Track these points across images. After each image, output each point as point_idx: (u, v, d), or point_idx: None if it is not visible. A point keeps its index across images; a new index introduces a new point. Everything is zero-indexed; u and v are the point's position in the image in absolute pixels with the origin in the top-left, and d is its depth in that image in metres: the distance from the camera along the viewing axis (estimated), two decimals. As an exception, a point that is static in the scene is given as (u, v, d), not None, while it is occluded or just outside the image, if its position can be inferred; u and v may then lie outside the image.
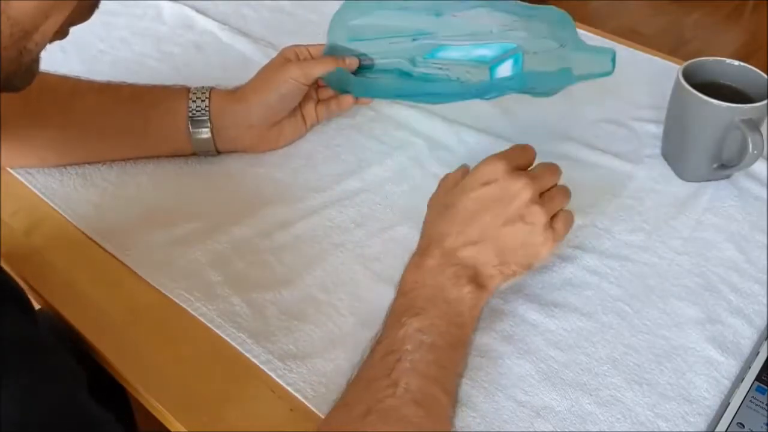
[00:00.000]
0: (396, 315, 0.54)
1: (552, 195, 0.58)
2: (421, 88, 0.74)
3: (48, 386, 0.39)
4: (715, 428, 0.53)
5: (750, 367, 0.56)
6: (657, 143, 0.78)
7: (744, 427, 0.52)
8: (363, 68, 0.74)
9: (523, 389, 0.55)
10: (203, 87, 0.73)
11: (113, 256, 0.65)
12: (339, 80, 0.75)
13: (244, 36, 0.94)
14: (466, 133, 0.79)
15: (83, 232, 0.68)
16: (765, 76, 0.70)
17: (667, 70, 0.88)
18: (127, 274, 0.64)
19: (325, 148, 0.77)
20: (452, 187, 0.60)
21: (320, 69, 0.72)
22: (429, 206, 0.62)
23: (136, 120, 0.72)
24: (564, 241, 0.63)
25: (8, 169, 0.73)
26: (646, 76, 0.88)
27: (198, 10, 0.98)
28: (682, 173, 0.74)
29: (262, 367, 0.57)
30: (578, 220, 0.69)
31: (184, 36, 0.95)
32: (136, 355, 0.58)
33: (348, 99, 0.77)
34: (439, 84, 0.73)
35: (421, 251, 0.57)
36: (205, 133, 0.72)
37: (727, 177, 0.74)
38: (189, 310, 0.61)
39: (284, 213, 0.69)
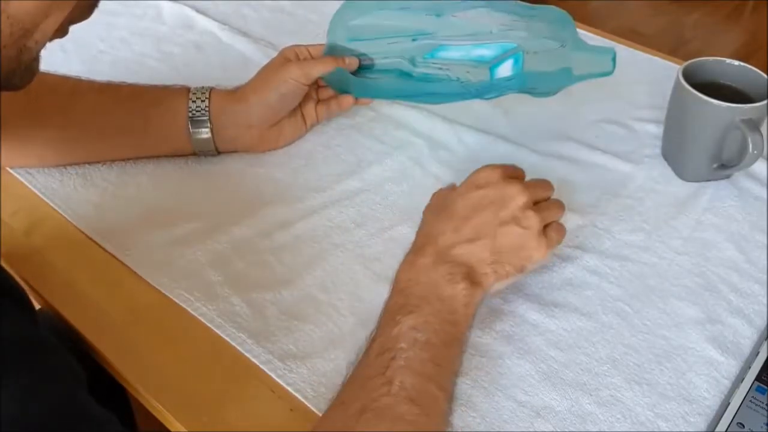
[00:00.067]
0: (390, 313, 0.54)
1: (547, 205, 0.60)
2: (421, 88, 0.74)
3: (48, 386, 0.39)
4: (715, 428, 0.53)
5: (750, 367, 0.56)
6: (657, 143, 0.78)
7: (744, 427, 0.52)
8: (363, 68, 0.74)
9: (523, 389, 0.55)
10: (203, 87, 0.73)
11: (113, 256, 0.65)
12: (339, 80, 0.75)
13: (244, 36, 0.94)
14: (466, 133, 0.79)
15: (83, 232, 0.68)
16: (765, 76, 0.70)
17: (667, 70, 0.88)
18: (127, 274, 0.64)
19: (325, 148, 0.77)
20: (446, 196, 0.61)
21: (320, 69, 0.72)
22: (423, 215, 0.62)
23: (136, 120, 0.72)
24: (564, 241, 0.63)
25: (8, 169, 0.73)
26: (646, 76, 0.88)
27: (198, 10, 0.98)
28: (682, 173, 0.74)
29: (262, 367, 0.57)
30: (578, 220, 0.69)
31: (184, 36, 0.95)
32: (136, 355, 0.58)
33: (348, 99, 0.77)
34: (439, 84, 0.73)
35: (415, 250, 0.58)
36: (205, 133, 0.72)
37: (727, 177, 0.74)
38: (189, 310, 0.61)
39: (284, 213, 0.69)
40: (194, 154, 0.74)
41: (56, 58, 0.87)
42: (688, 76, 0.71)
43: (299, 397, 0.55)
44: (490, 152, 0.77)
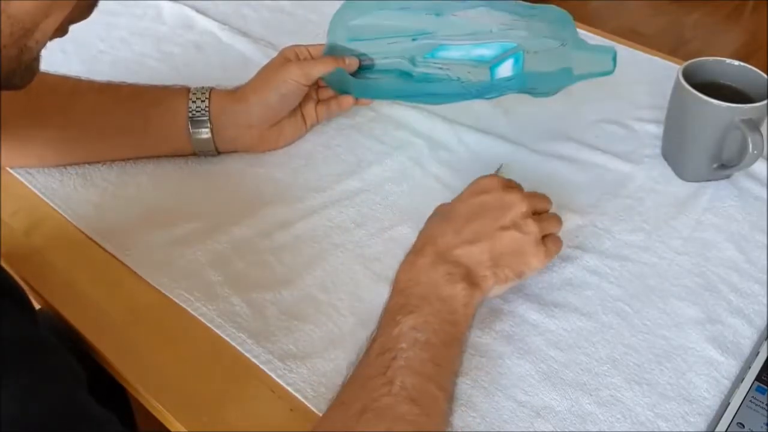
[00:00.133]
0: (390, 313, 0.54)
1: (545, 217, 0.61)
2: (421, 88, 0.74)
3: (48, 386, 0.39)
4: (715, 428, 0.53)
5: (750, 367, 0.56)
6: (657, 143, 0.78)
7: (744, 427, 0.52)
8: (363, 68, 0.74)
9: (523, 389, 0.55)
10: (203, 87, 0.73)
11: (113, 256, 0.65)
12: (339, 81, 0.75)
13: (244, 36, 0.94)
14: (466, 133, 0.79)
15: (83, 232, 0.68)
16: (765, 76, 0.70)
17: (667, 70, 0.88)
18: (127, 274, 0.64)
19: (325, 148, 0.77)
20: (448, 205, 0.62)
21: (320, 69, 0.72)
22: (425, 222, 0.62)
23: (136, 120, 0.72)
24: (564, 241, 0.64)
25: (8, 169, 0.73)
26: (646, 76, 0.88)
27: (198, 10, 0.98)
28: (682, 173, 0.74)
29: (262, 367, 0.57)
30: (578, 220, 0.69)
31: (184, 36, 0.95)
32: (136, 355, 0.58)
33: (348, 99, 0.77)
34: (440, 84, 0.73)
35: (416, 250, 0.58)
36: (205, 133, 0.72)
37: (727, 177, 0.74)
38: (189, 310, 0.61)
39: (284, 213, 0.69)
40: (194, 154, 0.74)
41: (56, 58, 0.87)
42: (688, 76, 0.71)
43: (299, 397, 0.55)
44: (490, 152, 0.77)
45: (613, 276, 0.64)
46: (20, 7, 0.40)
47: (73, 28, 0.46)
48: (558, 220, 0.62)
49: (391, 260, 0.63)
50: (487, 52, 0.71)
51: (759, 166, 0.73)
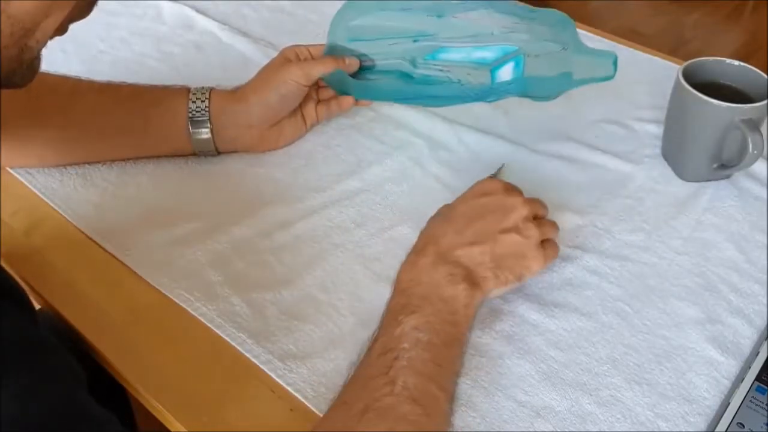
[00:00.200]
0: (392, 313, 0.54)
1: (544, 222, 0.61)
2: (420, 91, 0.74)
3: (48, 386, 0.39)
4: (715, 428, 0.53)
5: (750, 367, 0.56)
6: (657, 143, 0.78)
7: (744, 427, 0.52)
8: (363, 69, 0.74)
9: (523, 389, 0.55)
10: (203, 87, 0.73)
11: (113, 256, 0.65)
12: (339, 81, 0.75)
13: (244, 36, 0.94)
14: (466, 133, 0.79)
15: (83, 232, 0.68)
16: (765, 76, 0.70)
17: (667, 70, 0.88)
18: (127, 274, 0.64)
19: (325, 148, 0.77)
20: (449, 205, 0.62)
21: (320, 70, 0.72)
22: (427, 223, 0.62)
23: (136, 120, 0.72)
24: (564, 241, 0.64)
25: (8, 169, 0.73)
26: (646, 76, 0.88)
27: (198, 10, 0.98)
28: (682, 173, 0.74)
29: (262, 367, 0.57)
30: (578, 220, 0.69)
31: (184, 36, 0.95)
32: (136, 355, 0.58)
33: (348, 100, 0.77)
34: (440, 87, 0.73)
35: (417, 250, 0.58)
36: (205, 133, 0.72)
37: (727, 177, 0.74)
38: (189, 310, 0.61)
39: (284, 213, 0.69)
40: (194, 154, 0.74)
41: (56, 58, 0.87)
42: (688, 76, 0.71)
43: (299, 397, 0.55)
44: (490, 152, 0.77)
45: (613, 276, 0.64)
46: (20, 7, 0.40)
47: (73, 28, 0.46)
48: (555, 226, 0.62)
49: (391, 260, 0.63)
50: (487, 54, 0.71)
51: (759, 166, 0.73)
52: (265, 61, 0.75)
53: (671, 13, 2.76)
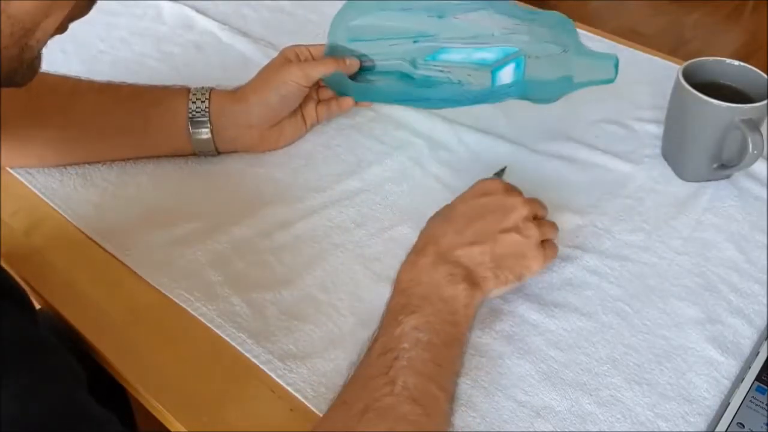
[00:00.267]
0: (393, 313, 0.54)
1: (543, 222, 0.61)
2: (420, 93, 0.74)
3: (48, 386, 0.39)
4: (715, 428, 0.53)
5: (750, 367, 0.56)
6: (657, 143, 0.78)
7: (744, 427, 0.52)
8: (364, 70, 0.74)
9: (523, 389, 0.55)
10: (203, 88, 0.73)
11: (113, 256, 0.65)
12: (338, 83, 0.75)
13: (244, 36, 0.94)
14: (466, 133, 0.79)
15: (83, 232, 0.68)
16: (765, 76, 0.70)
17: (667, 70, 0.88)
18: (127, 274, 0.64)
19: (325, 148, 0.77)
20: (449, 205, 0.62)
21: (321, 70, 0.72)
22: (427, 222, 0.62)
23: (136, 120, 0.72)
24: (564, 241, 0.64)
25: (8, 169, 0.73)
26: (646, 76, 0.88)
27: (198, 10, 0.98)
28: (682, 173, 0.74)
29: (262, 367, 0.57)
30: (578, 220, 0.69)
31: (184, 36, 0.95)
32: (136, 355, 0.58)
33: (348, 100, 0.77)
34: (439, 88, 0.73)
35: (417, 250, 0.58)
36: (205, 133, 0.72)
37: (727, 177, 0.74)
38: (189, 310, 0.61)
39: (284, 213, 0.69)
40: (194, 154, 0.74)
41: (56, 58, 0.87)
42: (688, 76, 0.71)
43: (299, 397, 0.55)
44: (490, 152, 0.77)
45: (613, 276, 0.64)
46: (20, 7, 0.40)
47: (73, 28, 0.46)
48: (555, 226, 0.62)
49: (391, 260, 0.63)
50: (488, 55, 0.71)
51: (759, 166, 0.73)
52: (265, 61, 0.75)
53: (671, 13, 2.76)
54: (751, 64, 0.72)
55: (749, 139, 0.66)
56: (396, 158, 0.76)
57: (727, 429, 0.52)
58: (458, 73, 0.72)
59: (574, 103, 0.76)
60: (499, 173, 0.71)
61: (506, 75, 0.71)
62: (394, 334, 0.52)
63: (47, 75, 0.67)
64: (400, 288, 0.56)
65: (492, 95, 0.72)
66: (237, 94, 0.73)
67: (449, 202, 0.62)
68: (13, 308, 0.40)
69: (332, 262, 0.65)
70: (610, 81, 0.72)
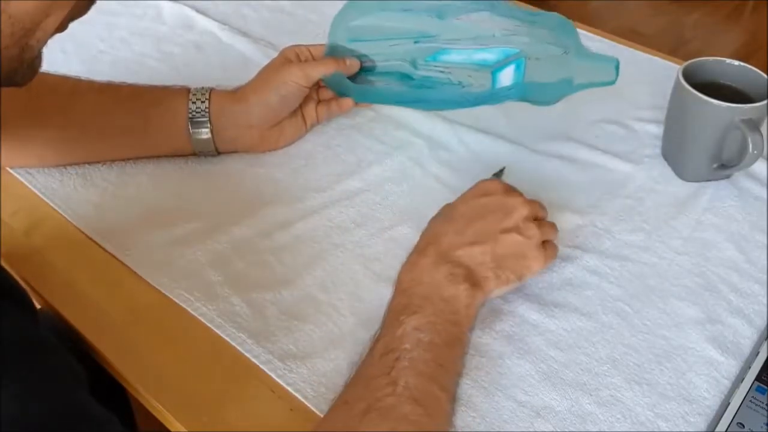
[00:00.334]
0: (394, 313, 0.54)
1: (543, 223, 0.61)
2: (420, 95, 0.74)
3: (48, 386, 0.39)
4: (715, 428, 0.53)
5: (750, 367, 0.56)
6: (657, 143, 0.78)
7: (744, 427, 0.52)
8: (364, 70, 0.74)
9: (523, 389, 0.55)
10: (203, 88, 0.73)
11: (113, 256, 0.65)
12: (338, 84, 0.75)
13: (244, 36, 0.94)
14: (466, 133, 0.79)
15: (83, 232, 0.68)
16: (765, 76, 0.70)
17: (667, 70, 0.88)
18: (127, 274, 0.64)
19: (325, 148, 0.77)
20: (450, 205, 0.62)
21: (321, 71, 0.72)
22: (428, 223, 0.62)
23: (136, 120, 0.72)
24: (564, 241, 0.64)
25: (8, 169, 0.73)
26: (646, 76, 0.88)
27: (198, 10, 0.98)
28: (682, 173, 0.74)
29: (262, 367, 0.57)
30: (578, 220, 0.69)
31: (184, 36, 0.95)
32: (136, 355, 0.58)
33: (348, 101, 0.77)
34: (439, 90, 0.73)
35: (418, 251, 0.58)
36: (205, 133, 0.72)
37: (727, 177, 0.74)
38: (189, 310, 0.61)
39: (284, 213, 0.69)
40: (194, 154, 0.74)
41: (56, 58, 0.87)
42: (688, 76, 0.71)
43: (299, 397, 0.55)
44: (490, 152, 0.77)
45: (613, 276, 0.64)
46: (20, 6, 0.40)
47: (73, 28, 0.46)
48: (555, 227, 0.62)
49: (391, 260, 0.64)
50: (489, 56, 0.71)
51: (759, 166, 0.73)
52: (265, 61, 0.75)
53: (671, 13, 2.76)
54: (751, 64, 0.72)
55: (749, 139, 0.66)
56: (396, 158, 0.76)
57: (727, 429, 0.52)
58: (459, 74, 0.72)
59: (574, 103, 0.76)
60: (498, 174, 0.71)
61: (507, 76, 0.71)
62: (396, 335, 0.52)
63: (47, 75, 0.67)
64: (401, 288, 0.56)
65: (492, 97, 0.72)
66: (237, 94, 0.73)
67: (449, 201, 0.62)
68: (13, 308, 0.40)
69: (332, 262, 0.65)
70: (611, 83, 0.72)
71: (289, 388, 0.55)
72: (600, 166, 0.76)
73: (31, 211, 0.70)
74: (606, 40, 0.96)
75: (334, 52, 0.74)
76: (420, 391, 0.49)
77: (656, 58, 0.93)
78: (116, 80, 0.73)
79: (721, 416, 0.53)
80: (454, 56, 0.72)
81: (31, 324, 0.42)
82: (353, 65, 0.73)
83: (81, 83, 0.73)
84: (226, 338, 0.59)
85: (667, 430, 0.53)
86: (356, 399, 0.49)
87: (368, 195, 0.72)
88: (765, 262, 0.65)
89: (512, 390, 0.55)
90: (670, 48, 2.40)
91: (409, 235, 0.66)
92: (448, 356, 0.53)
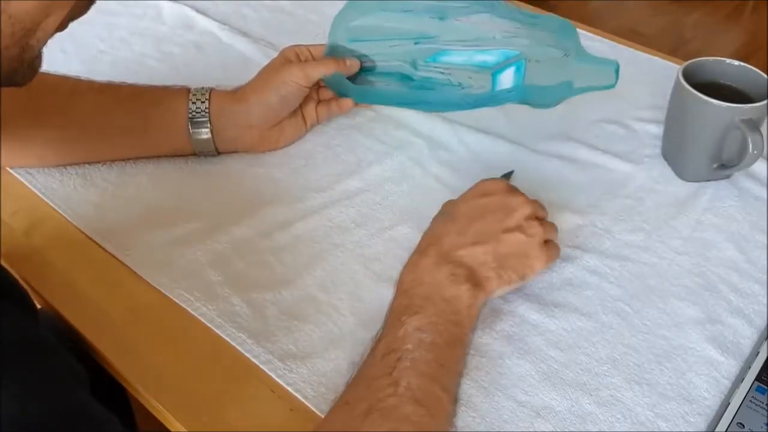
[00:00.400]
0: (395, 314, 0.54)
1: (544, 223, 0.61)
2: (420, 96, 0.74)
3: (48, 386, 0.39)
4: (715, 428, 0.53)
5: (750, 367, 0.56)
6: (657, 143, 0.78)
7: (744, 427, 0.52)
8: (364, 70, 0.74)
9: (523, 389, 0.55)
10: (203, 88, 0.73)
11: (113, 256, 0.65)
12: (338, 85, 0.75)
13: (244, 36, 0.94)
14: (466, 133, 0.79)
15: (83, 232, 0.68)
16: (765, 76, 0.70)
17: (667, 70, 0.88)
18: (127, 274, 0.64)
19: (325, 148, 0.77)
20: (452, 203, 0.62)
21: (321, 71, 0.72)
22: (431, 222, 0.62)
23: (136, 120, 0.72)
24: (564, 241, 0.64)
25: (8, 169, 0.73)
26: (646, 76, 0.88)
27: (198, 10, 0.98)
28: (682, 173, 0.74)
29: (262, 367, 0.57)
30: (578, 220, 0.69)
31: (184, 36, 0.95)
32: (136, 355, 0.58)
33: (348, 101, 0.78)
34: (439, 90, 0.73)
35: (419, 251, 0.58)
36: (205, 133, 0.72)
37: (727, 177, 0.74)
38: (189, 310, 0.61)
39: (284, 213, 0.69)
40: (194, 154, 0.74)
41: (56, 58, 0.87)
42: (688, 76, 0.71)
43: (299, 397, 0.55)
44: (490, 152, 0.77)
45: (613, 276, 0.64)
46: (21, 6, 0.40)
47: (73, 28, 0.46)
48: (555, 227, 0.62)
49: (391, 260, 0.64)
50: (489, 58, 0.71)
51: (759, 166, 0.73)
52: (265, 61, 0.75)
53: (671, 13, 2.76)
54: (751, 64, 0.72)
55: (749, 139, 0.66)
56: (396, 158, 0.76)
57: (727, 429, 0.52)
58: (459, 76, 0.72)
59: (574, 103, 0.76)
60: (506, 176, 0.70)
61: (507, 78, 0.71)
62: (398, 335, 0.52)
63: (47, 75, 0.67)
64: (402, 289, 0.56)
65: (492, 99, 0.72)
66: (237, 94, 0.73)
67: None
68: (13, 308, 0.40)
69: (332, 262, 0.65)
70: (611, 86, 0.72)
71: (289, 388, 0.55)
72: (600, 166, 0.76)
73: (31, 211, 0.70)
74: (606, 40, 0.96)
75: (334, 52, 0.74)
76: (422, 392, 0.49)
77: (656, 58, 0.93)
78: (116, 80, 0.73)
79: (721, 416, 0.53)
80: (455, 57, 0.72)
81: (31, 324, 0.42)
82: (353, 65, 0.73)
83: (81, 83, 0.73)
84: (226, 338, 0.59)
85: (667, 430, 0.53)
86: (358, 399, 0.49)
87: (368, 195, 0.72)
88: (765, 262, 0.65)
89: (512, 390, 0.55)
90: (670, 48, 2.40)
91: (409, 235, 0.66)
92: (450, 356, 0.53)
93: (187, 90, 0.72)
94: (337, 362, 0.57)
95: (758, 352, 0.57)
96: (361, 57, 0.73)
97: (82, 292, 0.63)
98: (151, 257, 0.65)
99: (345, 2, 0.75)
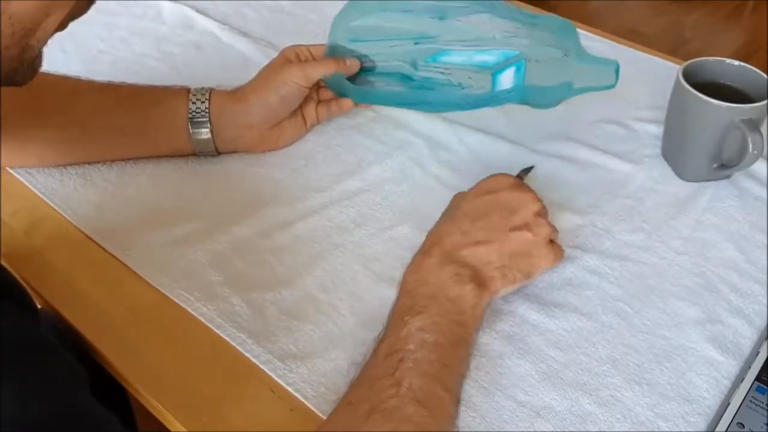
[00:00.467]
0: (398, 314, 0.54)
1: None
2: (420, 96, 0.74)
3: (48, 386, 0.39)
4: (715, 428, 0.53)
5: (750, 367, 0.56)
6: (657, 143, 0.78)
7: (744, 427, 0.52)
8: (364, 70, 0.74)
9: (523, 389, 0.55)
10: (203, 88, 0.73)
11: (113, 256, 0.65)
12: (338, 85, 0.75)
13: (244, 36, 0.94)
14: (466, 133, 0.79)
15: (83, 232, 0.68)
16: (765, 76, 0.70)
17: (667, 70, 0.88)
18: (127, 274, 0.64)
19: (325, 148, 0.77)
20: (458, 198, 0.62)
21: (321, 71, 0.72)
22: (438, 220, 0.62)
23: (136, 120, 0.72)
24: (564, 241, 0.64)
25: (8, 169, 0.73)
26: (646, 76, 0.88)
27: (198, 10, 0.98)
28: (682, 173, 0.74)
29: (262, 367, 0.57)
30: (578, 220, 0.69)
31: (184, 36, 0.95)
32: (136, 355, 0.58)
33: (348, 101, 0.78)
34: (439, 91, 0.73)
35: (423, 251, 0.58)
36: (205, 133, 0.72)
37: (727, 177, 0.74)
38: (189, 310, 0.61)
39: (284, 213, 0.69)
40: (194, 154, 0.74)
41: (56, 58, 0.87)
42: (688, 76, 0.71)
43: (299, 397, 0.55)
44: (490, 152, 0.77)
45: (613, 276, 0.64)
46: (21, 6, 0.40)
47: (73, 28, 0.46)
48: (555, 229, 0.61)
49: (391, 260, 0.64)
50: (489, 58, 0.71)
51: (759, 166, 0.73)
52: (265, 61, 0.75)
53: (671, 13, 2.76)
54: (751, 64, 0.72)
55: (749, 139, 0.66)
56: (396, 158, 0.76)
57: (727, 429, 0.52)
58: (459, 76, 0.72)
59: (574, 103, 0.76)
60: (527, 170, 0.69)
61: (507, 78, 0.71)
62: (400, 335, 0.52)
63: (47, 75, 0.67)
64: (405, 289, 0.56)
65: (492, 99, 0.72)
66: (237, 94, 0.73)
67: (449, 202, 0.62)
68: (14, 308, 0.40)
69: (332, 262, 0.65)
70: (611, 87, 0.72)
71: (289, 388, 0.55)
72: (600, 166, 0.76)
73: (31, 211, 0.70)
74: (606, 40, 0.96)
75: (334, 53, 0.74)
76: (424, 392, 0.49)
77: (656, 58, 0.93)
78: (116, 80, 0.73)
79: (721, 416, 0.53)
80: (455, 58, 0.72)
81: (31, 324, 0.42)
82: (353, 65, 0.73)
83: (81, 83, 0.73)
84: (226, 338, 0.59)
85: (667, 430, 0.53)
86: (360, 400, 0.49)
87: (368, 195, 0.72)
88: (765, 262, 0.65)
89: (512, 390, 0.55)
90: (670, 48, 2.40)
91: (409, 235, 0.66)
92: (453, 357, 0.53)
93: (187, 90, 0.72)
94: (337, 362, 0.57)
95: (758, 352, 0.57)
96: (361, 57, 0.73)
97: (82, 292, 0.63)
98: (151, 257, 0.65)
99: (345, 2, 0.75)
